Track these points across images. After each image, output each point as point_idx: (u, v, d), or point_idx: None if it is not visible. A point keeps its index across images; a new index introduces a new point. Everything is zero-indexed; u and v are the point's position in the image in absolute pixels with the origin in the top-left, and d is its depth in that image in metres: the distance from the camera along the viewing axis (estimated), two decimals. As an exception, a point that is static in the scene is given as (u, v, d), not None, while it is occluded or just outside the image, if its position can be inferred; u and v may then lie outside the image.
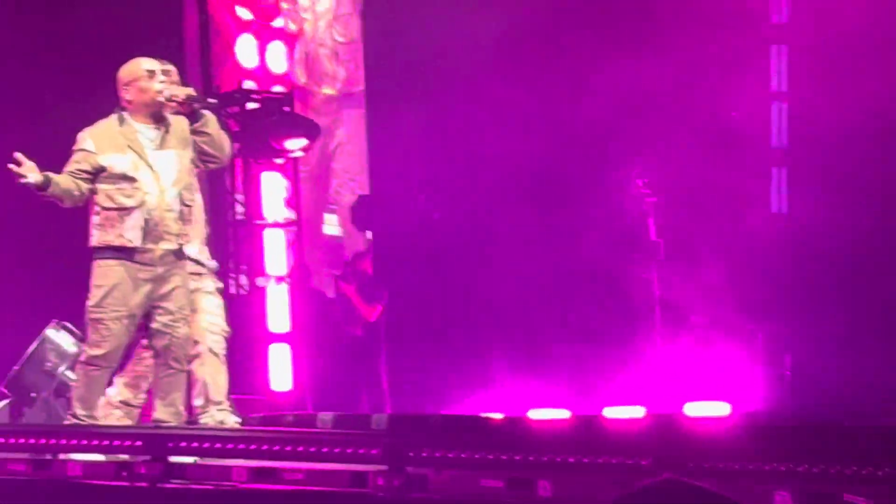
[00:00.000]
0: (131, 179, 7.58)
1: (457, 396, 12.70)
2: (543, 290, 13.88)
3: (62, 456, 7.10)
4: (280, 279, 12.50)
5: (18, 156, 7.49)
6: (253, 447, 6.71)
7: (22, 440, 7.17)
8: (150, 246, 7.61)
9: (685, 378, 12.10)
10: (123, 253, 7.58)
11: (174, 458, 6.81)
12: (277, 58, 13.66)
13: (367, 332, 13.48)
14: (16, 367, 9.00)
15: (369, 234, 14.70)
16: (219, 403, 8.25)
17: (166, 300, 7.70)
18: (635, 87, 12.93)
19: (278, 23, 13.86)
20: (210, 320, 8.25)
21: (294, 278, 13.07)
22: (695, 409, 10.20)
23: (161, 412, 7.77)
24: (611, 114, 13.04)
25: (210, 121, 7.76)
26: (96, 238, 7.63)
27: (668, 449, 5.88)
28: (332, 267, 14.31)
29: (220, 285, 8.62)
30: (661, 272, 12.27)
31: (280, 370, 12.36)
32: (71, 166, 7.64)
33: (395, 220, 14.31)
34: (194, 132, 7.74)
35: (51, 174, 7.60)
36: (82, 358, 7.80)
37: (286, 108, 13.22)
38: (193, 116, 7.70)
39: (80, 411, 7.73)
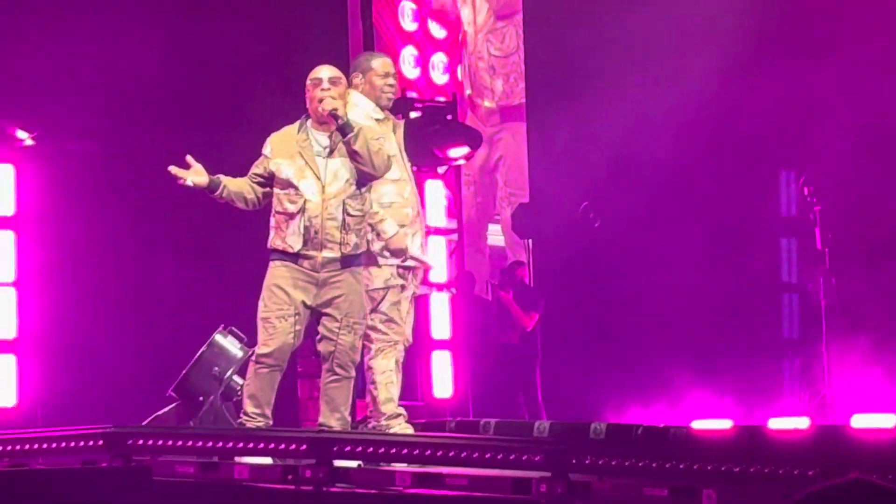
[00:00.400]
0: (296, 186, 7.67)
1: (613, 406, 12.65)
2: (705, 300, 13.77)
3: (230, 459, 7.22)
4: (441, 287, 12.55)
5: (189, 158, 7.63)
6: (417, 452, 6.76)
7: (190, 443, 7.29)
8: (311, 252, 7.68)
9: (853, 389, 11.92)
10: (288, 256, 7.68)
11: (339, 462, 6.88)
12: (439, 69, 13.78)
13: (523, 340, 13.50)
14: (184, 372, 9.14)
15: (529, 243, 14.72)
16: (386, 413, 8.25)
17: (332, 307, 7.74)
18: (800, 94, 12.78)
19: (440, 34, 14.01)
20: (402, 329, 8.26)
21: (458, 286, 13.13)
22: (862, 421, 10.05)
23: (326, 417, 7.81)
24: (774, 121, 12.91)
25: (358, 137, 7.69)
26: (270, 240, 7.76)
27: (835, 460, 5.80)
28: (494, 276, 14.40)
29: (417, 292, 8.62)
30: (826, 281, 12.10)
31: (442, 377, 12.42)
32: (252, 169, 7.82)
33: (555, 229, 14.30)
34: (345, 144, 7.75)
35: (222, 177, 7.74)
36: (253, 357, 7.89)
37: (449, 117, 13.29)
38: (341, 131, 7.72)
39: (250, 409, 7.80)
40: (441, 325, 12.43)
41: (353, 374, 7.88)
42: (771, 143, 13.87)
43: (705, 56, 13.29)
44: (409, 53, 13.95)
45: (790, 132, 13.56)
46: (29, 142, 10.95)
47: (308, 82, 7.79)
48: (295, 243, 7.66)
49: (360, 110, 8.08)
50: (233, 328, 9.41)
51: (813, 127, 13.08)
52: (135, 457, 7.24)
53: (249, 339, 9.41)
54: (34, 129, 10.91)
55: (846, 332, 12.21)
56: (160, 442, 7.32)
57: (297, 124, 7.81)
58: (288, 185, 7.68)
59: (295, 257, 7.68)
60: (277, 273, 7.71)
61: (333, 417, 7.79)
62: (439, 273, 12.60)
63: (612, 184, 13.93)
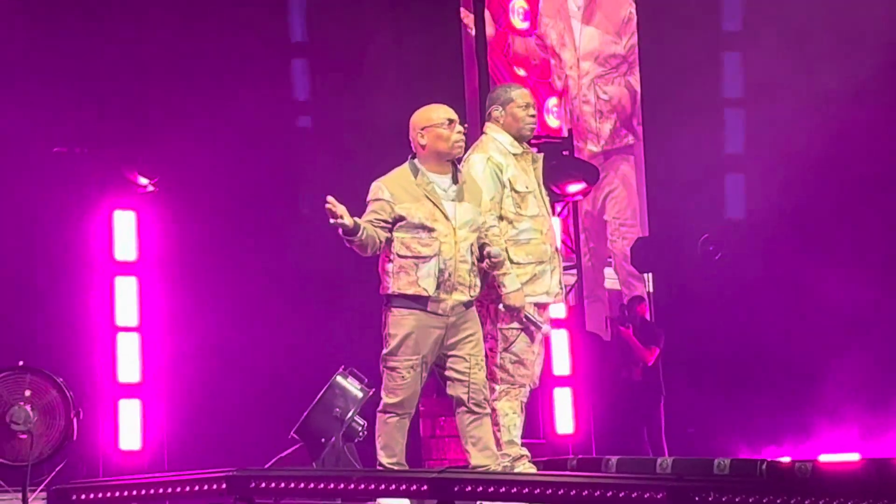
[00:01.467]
0: (429, 229, 7.61)
1: (739, 441, 12.51)
2: (824, 335, 13.60)
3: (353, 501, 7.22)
4: (559, 323, 12.51)
5: (331, 199, 7.50)
6: (538, 491, 6.72)
7: (312, 485, 7.32)
8: (443, 296, 7.60)
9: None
10: (417, 302, 7.59)
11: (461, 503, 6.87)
12: (553, 113, 13.92)
13: (645, 376, 13.41)
14: (305, 414, 9.20)
15: (648, 277, 14.64)
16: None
17: (459, 348, 7.64)
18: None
19: (553, 82, 14.22)
20: None
21: (572, 322, 13.08)
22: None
23: (477, 458, 7.62)
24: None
25: (500, 264, 7.73)
26: (391, 286, 7.68)
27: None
28: (595, 300, 14.37)
29: (549, 333, 8.54)
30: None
31: (563, 413, 12.36)
32: (369, 216, 7.62)
33: (675, 262, 14.21)
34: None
35: (359, 220, 7.60)
36: (380, 407, 7.71)
37: (565, 153, 13.30)
38: (494, 267, 7.70)
39: (385, 460, 7.62)
40: (561, 361, 12.39)
41: (489, 408, 7.74)
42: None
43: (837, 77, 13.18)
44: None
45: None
46: (150, 188, 11.10)
47: (429, 122, 7.67)
48: (429, 286, 7.56)
49: (496, 146, 8.05)
50: (353, 369, 9.47)
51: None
52: (257, 499, 7.28)
53: (370, 380, 9.47)
54: (155, 175, 11.06)
55: None
56: (282, 484, 7.36)
57: (406, 168, 7.73)
58: (421, 228, 7.61)
59: (425, 301, 7.60)
60: (406, 322, 7.59)
61: (484, 455, 7.63)
62: (559, 309, 12.58)
63: (732, 215, 13.84)
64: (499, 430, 8.00)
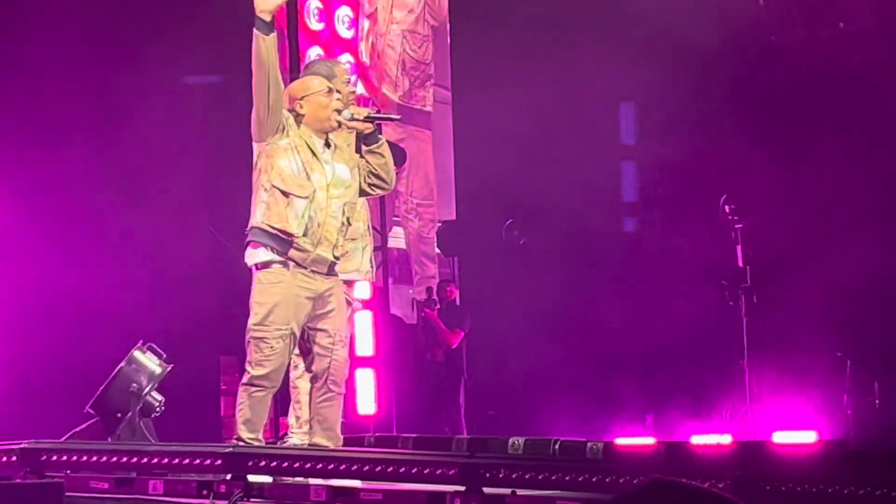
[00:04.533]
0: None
1: (536, 423, 12.67)
2: (629, 319, 13.83)
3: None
4: (364, 303, 12.53)
5: None
6: (331, 467, 6.73)
7: (105, 459, 7.24)
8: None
9: (774, 407, 12.00)
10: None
11: (253, 478, 6.85)
12: (344, 22, 13.66)
13: (448, 358, 13.51)
14: (102, 388, 9.09)
15: (455, 261, 14.74)
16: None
17: (325, 321, 7.55)
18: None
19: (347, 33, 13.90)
20: None
21: (376, 304, 13.11)
22: (782, 438, 10.12)
23: (319, 437, 7.54)
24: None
25: (384, 143, 7.70)
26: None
27: (748, 473, 5.85)
28: (403, 282, 14.30)
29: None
30: (748, 299, 12.17)
31: (365, 394, 12.39)
32: None
33: (481, 247, 14.33)
34: (370, 153, 7.64)
35: None
36: (244, 379, 7.52)
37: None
38: (370, 138, 7.65)
39: (246, 434, 7.45)
40: (364, 342, 12.40)
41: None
42: (696, 160, 13.95)
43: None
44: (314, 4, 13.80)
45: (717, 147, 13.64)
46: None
47: (306, 90, 7.56)
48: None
49: None
50: (151, 345, 9.37)
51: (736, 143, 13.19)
52: (49, 472, 7.18)
53: (168, 356, 9.40)
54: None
55: (764, 349, 12.29)
56: (75, 458, 7.27)
57: None
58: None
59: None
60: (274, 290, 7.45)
61: (327, 436, 7.54)
62: (362, 290, 12.59)
63: (536, 199, 13.97)
64: (300, 408, 8.00)
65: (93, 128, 11.19)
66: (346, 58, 13.58)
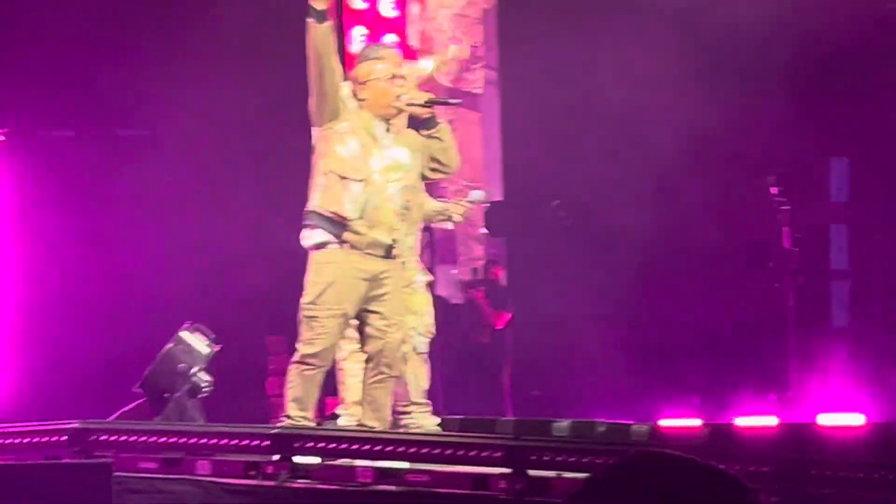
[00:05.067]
0: None
1: (581, 404, 12.66)
2: (676, 302, 13.81)
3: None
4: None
5: None
6: (378, 448, 6.78)
7: (153, 439, 7.31)
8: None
9: (821, 389, 11.96)
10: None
11: (300, 459, 6.91)
12: (389, 2, 13.66)
13: (493, 339, 13.49)
14: (149, 368, 9.15)
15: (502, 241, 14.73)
16: (420, 405, 8.19)
17: (379, 303, 7.56)
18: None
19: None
20: (417, 320, 8.21)
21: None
22: (828, 420, 10.09)
23: (368, 418, 7.57)
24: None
25: (444, 128, 7.78)
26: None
27: (794, 456, 5.86)
28: (448, 263, 14.26)
29: (431, 278, 8.61)
30: (795, 282, 12.11)
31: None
32: None
33: (528, 227, 14.30)
34: (429, 137, 7.70)
35: None
36: (295, 357, 7.57)
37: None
38: (428, 122, 7.72)
39: (295, 412, 7.47)
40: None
41: (397, 372, 7.67)
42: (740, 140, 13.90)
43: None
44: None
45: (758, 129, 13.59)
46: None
47: (368, 75, 7.62)
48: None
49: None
50: (199, 325, 9.43)
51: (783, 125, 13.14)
52: (98, 452, 7.26)
53: (216, 336, 9.46)
54: (4, 125, 10.92)
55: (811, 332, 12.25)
56: (123, 438, 7.35)
57: None
58: None
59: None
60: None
61: (375, 417, 7.54)
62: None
63: (583, 180, 13.94)
64: (345, 390, 8.05)
65: (143, 112, 11.27)
66: (391, 38, 13.57)
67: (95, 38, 11.30)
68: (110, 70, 11.14)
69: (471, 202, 8.76)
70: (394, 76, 7.62)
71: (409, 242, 8.03)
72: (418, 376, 8.17)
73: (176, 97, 11.16)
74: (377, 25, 13.75)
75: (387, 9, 13.93)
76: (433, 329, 8.29)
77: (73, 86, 11.41)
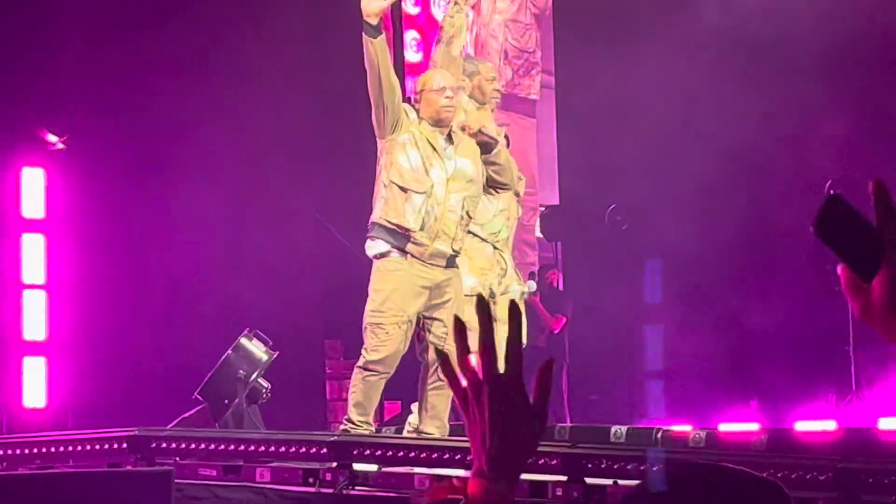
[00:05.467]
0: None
1: (638, 408, 12.64)
2: (734, 305, 13.73)
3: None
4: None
5: None
6: (435, 456, 6.81)
7: (213, 447, 7.37)
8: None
9: (881, 393, 11.88)
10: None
11: (359, 466, 6.94)
12: (440, 6, 13.55)
13: (549, 343, 13.47)
14: (209, 375, 9.22)
15: (558, 245, 14.72)
16: None
17: (441, 311, 7.65)
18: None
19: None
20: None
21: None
22: (888, 424, 10.03)
23: (427, 425, 7.68)
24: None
25: (501, 151, 7.89)
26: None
27: (852, 462, 5.83)
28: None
29: (525, 289, 8.72)
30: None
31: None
32: None
33: (584, 231, 14.29)
34: (486, 162, 7.85)
35: None
36: (359, 363, 7.67)
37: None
38: (485, 147, 7.84)
39: (356, 417, 7.60)
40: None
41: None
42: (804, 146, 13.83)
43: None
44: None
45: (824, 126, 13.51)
46: (59, 145, 11.03)
47: (421, 85, 7.75)
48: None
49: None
50: (258, 331, 9.50)
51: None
52: (158, 459, 7.32)
53: (274, 343, 9.52)
54: (65, 132, 11.00)
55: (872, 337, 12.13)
56: (183, 445, 7.41)
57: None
58: None
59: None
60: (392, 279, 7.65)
61: (434, 424, 7.66)
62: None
63: (640, 185, 13.91)
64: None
65: (203, 121, 11.33)
66: (410, 35, 13.64)
67: (152, 45, 11.38)
68: (173, 82, 11.23)
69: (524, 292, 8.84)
70: (443, 88, 7.67)
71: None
72: None
73: (240, 103, 11.25)
74: (430, 29, 13.79)
75: (439, 12, 13.98)
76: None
77: (131, 94, 11.49)
